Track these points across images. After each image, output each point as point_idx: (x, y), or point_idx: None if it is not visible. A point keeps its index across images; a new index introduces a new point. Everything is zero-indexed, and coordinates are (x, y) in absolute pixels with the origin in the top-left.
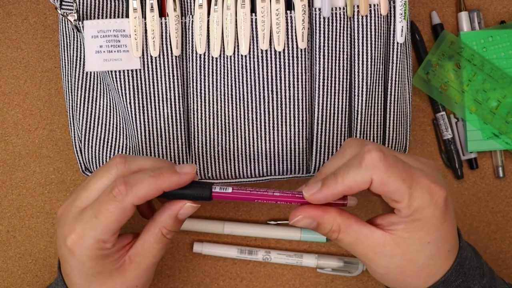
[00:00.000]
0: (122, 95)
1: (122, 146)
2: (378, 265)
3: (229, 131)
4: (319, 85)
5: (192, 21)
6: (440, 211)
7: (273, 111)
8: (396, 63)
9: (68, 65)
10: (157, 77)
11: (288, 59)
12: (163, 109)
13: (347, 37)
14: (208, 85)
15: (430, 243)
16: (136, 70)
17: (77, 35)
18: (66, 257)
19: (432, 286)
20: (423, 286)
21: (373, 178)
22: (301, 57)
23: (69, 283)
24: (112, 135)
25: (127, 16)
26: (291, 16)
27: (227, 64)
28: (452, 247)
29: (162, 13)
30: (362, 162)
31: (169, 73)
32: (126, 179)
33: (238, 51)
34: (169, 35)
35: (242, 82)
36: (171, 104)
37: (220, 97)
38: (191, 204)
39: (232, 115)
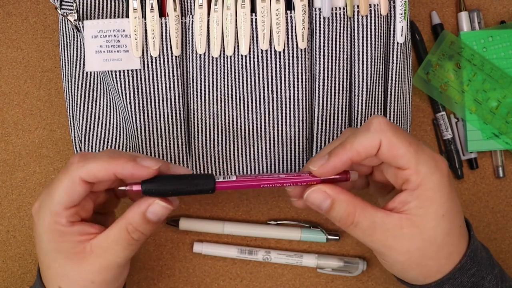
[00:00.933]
0: (122, 95)
1: (122, 146)
2: (399, 251)
3: (229, 131)
4: (319, 85)
5: (192, 21)
6: (446, 178)
7: (273, 111)
8: (396, 63)
9: (68, 65)
10: (157, 77)
11: (288, 59)
12: (163, 109)
13: (347, 37)
14: (208, 85)
15: (444, 216)
16: (136, 70)
17: (77, 35)
18: (34, 230)
19: (449, 274)
20: (443, 269)
21: (382, 141)
22: (301, 57)
23: (40, 265)
24: (112, 135)
25: (127, 16)
26: (291, 16)
27: (227, 64)
28: (462, 222)
29: (162, 13)
30: (370, 127)
31: (169, 73)
32: (83, 153)
33: (238, 51)
34: (169, 35)
35: (242, 82)
36: (171, 104)
37: (220, 97)
38: (160, 202)
39: (232, 115)
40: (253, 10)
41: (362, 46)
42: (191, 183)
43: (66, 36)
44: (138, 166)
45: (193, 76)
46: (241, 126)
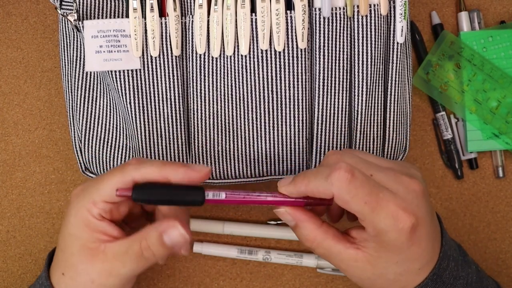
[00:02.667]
0: (122, 95)
1: (122, 146)
2: (350, 275)
3: (229, 131)
4: (319, 85)
5: (192, 21)
6: (406, 237)
7: (273, 111)
8: (396, 63)
9: (68, 65)
10: (157, 77)
11: (288, 59)
12: (163, 109)
13: (347, 37)
14: (208, 85)
15: (398, 263)
16: (136, 70)
17: (77, 35)
18: (66, 212)
19: None
20: None
21: (335, 195)
22: (301, 57)
23: (57, 248)
24: (112, 135)
25: (127, 16)
26: (291, 16)
27: (227, 64)
28: (423, 265)
29: (162, 13)
30: (328, 177)
31: (169, 73)
32: (140, 158)
33: (238, 51)
34: (169, 35)
35: (242, 82)
36: (171, 104)
37: (220, 97)
38: (180, 228)
39: (232, 115)
40: (253, 10)
41: (362, 46)
42: (180, 194)
43: (66, 36)
44: (190, 169)
45: (193, 76)
46: (241, 126)
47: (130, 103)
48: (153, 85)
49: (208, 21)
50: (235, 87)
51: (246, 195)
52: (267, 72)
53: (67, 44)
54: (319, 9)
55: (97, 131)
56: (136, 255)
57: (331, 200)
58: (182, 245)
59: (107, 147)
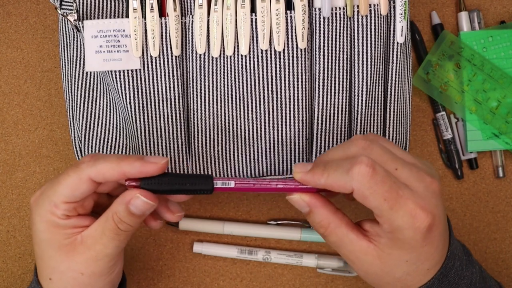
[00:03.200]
0: (122, 95)
1: (122, 146)
2: (357, 268)
3: (229, 131)
4: (319, 85)
5: (192, 21)
6: (421, 236)
7: (273, 111)
8: (396, 63)
9: (68, 65)
10: (157, 77)
11: (288, 59)
12: (163, 109)
13: (347, 37)
14: (208, 85)
15: (408, 261)
16: (136, 70)
17: (77, 35)
18: (30, 221)
19: None
20: None
21: (355, 189)
22: (301, 57)
23: (35, 257)
24: (112, 135)
25: (127, 16)
26: (291, 16)
27: (227, 64)
28: (432, 266)
29: (162, 13)
30: (349, 171)
31: (169, 73)
32: (95, 154)
33: (238, 51)
34: (169, 35)
35: (242, 82)
36: (171, 104)
37: (220, 97)
38: (141, 197)
39: (232, 115)
40: (253, 10)
41: (362, 46)
42: (189, 182)
43: (66, 36)
44: (146, 163)
45: (193, 76)
46: (241, 126)
47: (130, 103)
48: (153, 85)
49: (208, 21)
50: (235, 87)
51: (256, 182)
52: (267, 72)
53: (67, 44)
54: (319, 9)
55: (97, 131)
56: (113, 231)
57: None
58: (150, 211)
59: (107, 147)
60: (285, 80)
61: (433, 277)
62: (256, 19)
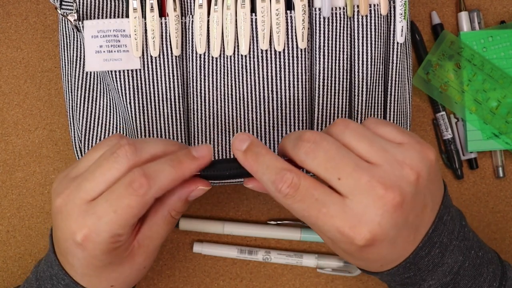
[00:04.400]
0: (122, 95)
1: None
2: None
3: (229, 131)
4: (319, 85)
5: (192, 21)
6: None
7: (273, 111)
8: (396, 63)
9: (68, 65)
10: (157, 77)
11: (288, 59)
12: (163, 109)
13: (347, 37)
14: (208, 85)
15: (391, 243)
16: (136, 70)
17: (77, 35)
18: (74, 251)
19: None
20: (378, 269)
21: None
22: (301, 57)
23: (70, 270)
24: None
25: (127, 16)
26: (291, 16)
27: (227, 64)
28: (408, 238)
29: (162, 13)
30: (273, 184)
31: (169, 73)
32: (146, 170)
33: (238, 51)
34: (169, 35)
35: (242, 82)
36: (171, 104)
37: (220, 97)
38: (203, 187)
39: (232, 115)
40: (253, 10)
41: (362, 46)
42: (235, 167)
43: (66, 36)
44: (201, 160)
45: (193, 76)
46: (241, 126)
47: (130, 103)
48: (153, 85)
49: (208, 21)
50: (235, 87)
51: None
52: (267, 72)
53: (67, 44)
54: (319, 9)
55: (97, 131)
56: (170, 224)
57: None
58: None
59: None
60: (285, 80)
61: (411, 255)
62: (256, 19)
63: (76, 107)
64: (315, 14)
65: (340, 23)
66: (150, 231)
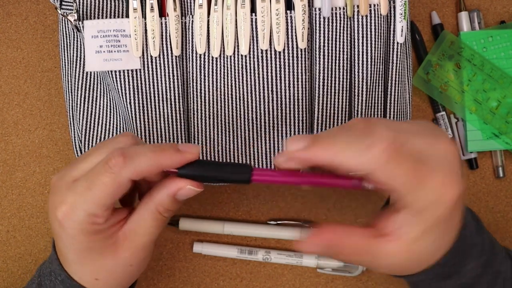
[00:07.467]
0: (122, 95)
1: None
2: (380, 267)
3: (229, 131)
4: (319, 85)
5: (192, 21)
6: (451, 208)
7: (273, 111)
8: (396, 63)
9: (68, 65)
10: (157, 77)
11: (288, 59)
12: (163, 109)
13: (347, 37)
14: (208, 85)
15: (434, 241)
16: (136, 70)
17: (77, 35)
18: (57, 230)
19: (425, 269)
20: (422, 267)
21: (377, 169)
22: (301, 57)
23: (62, 258)
24: (112, 135)
25: (127, 16)
26: (291, 16)
27: (227, 64)
28: (451, 238)
29: (162, 13)
30: (371, 148)
31: (169, 73)
32: (125, 150)
33: (238, 51)
34: (169, 35)
35: (242, 82)
36: (171, 104)
37: (220, 97)
38: (191, 187)
39: (232, 115)
40: (253, 10)
41: (362, 46)
42: (226, 171)
43: (66, 36)
44: (184, 154)
45: (193, 76)
46: (241, 126)
47: (130, 103)
48: (153, 85)
49: (208, 21)
50: (235, 87)
51: (298, 174)
52: (267, 72)
53: (67, 44)
54: (319, 9)
55: (97, 131)
56: (158, 221)
57: (361, 182)
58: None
59: None
60: (285, 80)
61: (448, 251)
62: (256, 19)
63: (76, 107)
64: (315, 14)
65: (340, 23)
66: (136, 225)
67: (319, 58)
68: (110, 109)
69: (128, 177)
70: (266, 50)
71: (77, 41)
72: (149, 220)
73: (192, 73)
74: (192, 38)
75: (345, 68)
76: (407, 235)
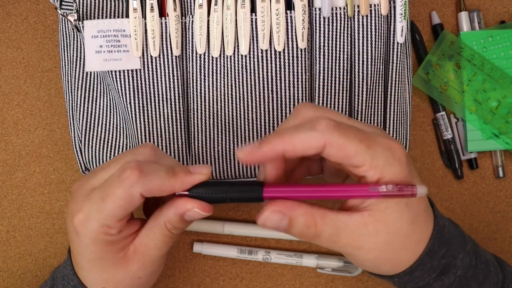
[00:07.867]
0: (122, 95)
1: (122, 146)
2: (366, 249)
3: (229, 131)
4: (319, 85)
5: (192, 21)
6: (405, 166)
7: (273, 111)
8: (396, 63)
9: (68, 65)
10: (157, 77)
11: (288, 59)
12: (163, 109)
13: (347, 37)
14: (208, 85)
15: (407, 204)
16: (136, 70)
17: (77, 35)
18: (72, 237)
19: (418, 260)
20: (413, 257)
21: (327, 142)
22: (301, 57)
23: (75, 264)
24: (112, 135)
25: (127, 16)
26: (291, 16)
27: (227, 64)
28: (426, 206)
29: (162, 13)
30: (316, 126)
31: (169, 73)
32: (141, 165)
33: (238, 51)
34: (169, 35)
35: (242, 82)
36: (171, 104)
37: (220, 97)
38: (199, 210)
39: (232, 115)
40: (253, 10)
41: (362, 46)
42: (237, 190)
43: (66, 36)
44: (194, 175)
45: (193, 76)
46: (241, 126)
47: (130, 103)
48: (153, 85)
49: (208, 21)
50: (235, 87)
51: (311, 188)
52: (267, 72)
53: (67, 44)
54: (319, 9)
55: (97, 131)
56: (167, 236)
57: (415, 190)
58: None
59: (107, 147)
60: (285, 80)
61: (432, 232)
62: (256, 19)
63: (76, 107)
64: (315, 14)
65: (340, 23)
66: (146, 238)
67: (319, 58)
68: (110, 109)
69: (139, 192)
70: (266, 50)
71: (77, 41)
72: (158, 235)
73: (192, 73)
74: (192, 38)
75: (345, 68)
76: (372, 205)
